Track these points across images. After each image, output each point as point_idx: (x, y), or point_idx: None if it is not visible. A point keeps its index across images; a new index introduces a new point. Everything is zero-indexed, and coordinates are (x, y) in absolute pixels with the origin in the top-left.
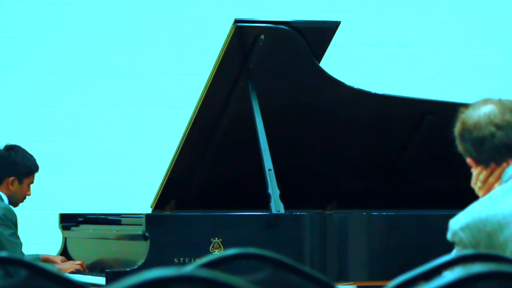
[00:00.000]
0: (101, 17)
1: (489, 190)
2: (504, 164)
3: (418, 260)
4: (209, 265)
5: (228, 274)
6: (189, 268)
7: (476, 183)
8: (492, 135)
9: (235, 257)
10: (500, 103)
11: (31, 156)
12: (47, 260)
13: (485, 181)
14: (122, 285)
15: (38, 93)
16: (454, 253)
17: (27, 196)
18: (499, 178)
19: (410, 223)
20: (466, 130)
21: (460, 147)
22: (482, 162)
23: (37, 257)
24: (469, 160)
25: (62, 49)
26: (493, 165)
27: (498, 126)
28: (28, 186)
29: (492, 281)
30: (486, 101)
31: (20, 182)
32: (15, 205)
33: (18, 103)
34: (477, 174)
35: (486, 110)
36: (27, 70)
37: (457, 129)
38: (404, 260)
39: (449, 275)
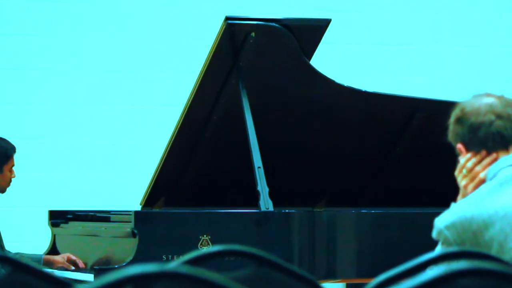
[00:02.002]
0: (93, 15)
1: (472, 179)
2: (494, 154)
3: (406, 257)
4: (193, 261)
5: (213, 271)
6: (172, 265)
7: (461, 171)
8: (491, 122)
9: (219, 253)
10: (502, 97)
11: (4, 140)
12: (48, 260)
13: (471, 169)
14: (104, 281)
15: (28, 89)
16: (437, 250)
17: (13, 179)
18: (486, 167)
19: (399, 221)
20: (465, 115)
21: (452, 132)
22: (473, 147)
23: (40, 258)
24: (459, 146)
25: (53, 46)
26: (483, 152)
27: (499, 116)
28: (11, 170)
29: (475, 278)
30: (488, 94)
31: (0, 171)
32: (3, 191)
33: (7, 99)
34: (465, 161)
35: (488, 100)
36: (16, 66)
37: (454, 114)
38: (393, 257)
39: (432, 272)
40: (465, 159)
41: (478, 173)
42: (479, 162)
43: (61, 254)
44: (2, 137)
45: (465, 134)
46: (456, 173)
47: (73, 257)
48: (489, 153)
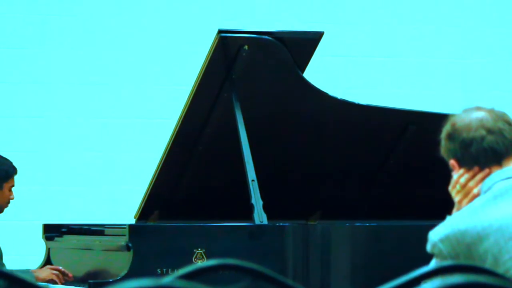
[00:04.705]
0: (85, 28)
1: (466, 195)
2: (487, 170)
3: (401, 271)
4: (189, 276)
5: (208, 285)
6: (167, 279)
7: (454, 187)
8: (482, 138)
9: (214, 268)
10: (493, 111)
11: (6, 159)
12: (37, 277)
13: (465, 185)
14: None
15: (22, 103)
16: (432, 264)
17: (11, 201)
18: (479, 183)
19: (393, 234)
20: (456, 131)
21: (444, 148)
22: (466, 163)
23: (31, 275)
24: (452, 162)
25: (45, 59)
26: (476, 168)
27: (490, 131)
28: (10, 190)
29: None
30: (479, 108)
31: (0, 187)
32: (0, 211)
33: (1, 112)
34: (458, 177)
35: (478, 115)
36: (9, 80)
37: (445, 129)
38: (387, 270)
39: (427, 286)
40: (458, 175)
41: (471, 189)
42: (472, 177)
43: (44, 268)
44: (5, 157)
45: (457, 150)
46: (449, 188)
47: (58, 269)
48: (481, 169)
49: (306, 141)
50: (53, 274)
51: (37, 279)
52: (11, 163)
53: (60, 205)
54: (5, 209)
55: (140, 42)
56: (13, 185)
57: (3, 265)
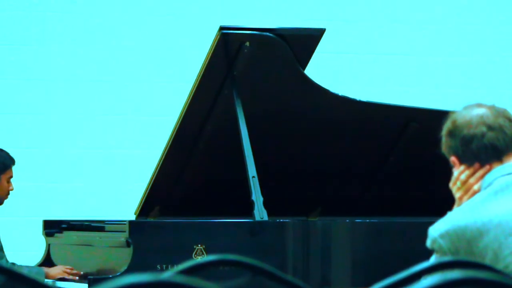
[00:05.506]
0: (86, 25)
1: (467, 191)
2: (487, 166)
3: (401, 267)
4: (188, 271)
5: (207, 280)
6: (167, 274)
7: (455, 183)
8: (483, 134)
9: (214, 263)
10: (493, 108)
11: (3, 150)
12: (47, 274)
13: (465, 182)
14: None
15: (22, 99)
16: (432, 260)
17: (11, 193)
18: (479, 179)
19: (393, 230)
20: (457, 127)
21: (445, 145)
22: (467, 160)
23: (40, 271)
24: (452, 159)
25: (47, 57)
26: (476, 164)
27: (490, 127)
28: (8, 182)
29: (470, 287)
30: (479, 105)
31: None
32: (0, 203)
33: (1, 109)
34: (459, 173)
35: (479, 111)
36: (9, 76)
37: (446, 126)
38: (387, 266)
39: (427, 281)
40: (459, 172)
41: (472, 185)
42: (473, 174)
43: (57, 266)
44: (1, 149)
45: (458, 147)
46: (450, 185)
47: (67, 268)
48: (482, 165)
49: (307, 138)
50: (64, 271)
51: (48, 275)
52: (7, 154)
53: (60, 201)
54: (6, 204)
55: (141, 39)
56: (11, 176)
57: (4, 257)
